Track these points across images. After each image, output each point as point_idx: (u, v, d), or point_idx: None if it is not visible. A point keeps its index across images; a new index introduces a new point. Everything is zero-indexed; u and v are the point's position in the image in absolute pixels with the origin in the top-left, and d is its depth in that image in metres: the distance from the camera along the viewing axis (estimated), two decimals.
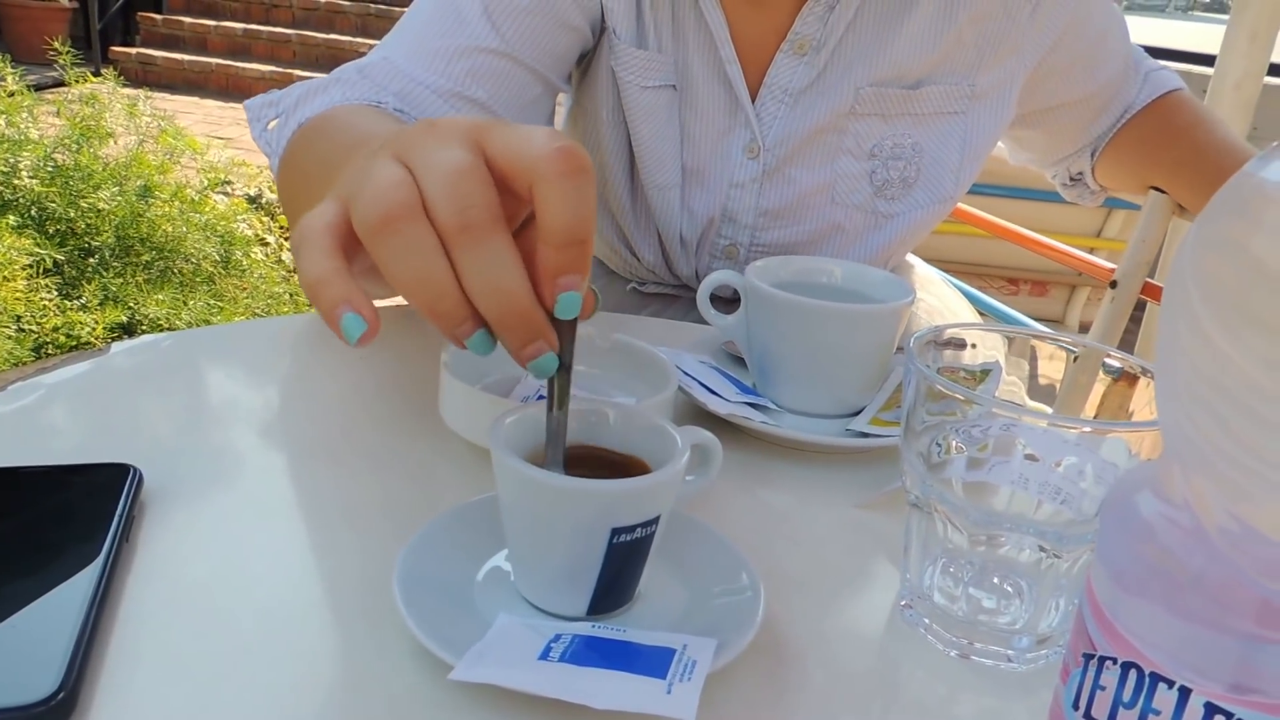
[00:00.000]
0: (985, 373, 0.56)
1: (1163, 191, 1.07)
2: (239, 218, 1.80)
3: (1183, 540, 0.28)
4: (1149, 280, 1.12)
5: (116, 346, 0.70)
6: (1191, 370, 0.27)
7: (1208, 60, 1.77)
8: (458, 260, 0.37)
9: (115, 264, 1.52)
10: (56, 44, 2.10)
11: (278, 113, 0.74)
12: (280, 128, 0.73)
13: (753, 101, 0.89)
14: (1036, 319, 2.38)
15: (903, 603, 0.48)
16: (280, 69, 6.16)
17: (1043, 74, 0.94)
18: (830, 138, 0.90)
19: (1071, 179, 1.10)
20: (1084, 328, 2.32)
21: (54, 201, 1.53)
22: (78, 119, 1.68)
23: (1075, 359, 0.55)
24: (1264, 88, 1.68)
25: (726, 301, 0.69)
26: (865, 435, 0.63)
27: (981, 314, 1.34)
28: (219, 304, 1.56)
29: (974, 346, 0.53)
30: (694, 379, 0.65)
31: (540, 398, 0.42)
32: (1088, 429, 0.43)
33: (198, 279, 1.61)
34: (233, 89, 6.11)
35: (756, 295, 0.65)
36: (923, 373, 0.44)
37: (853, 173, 0.91)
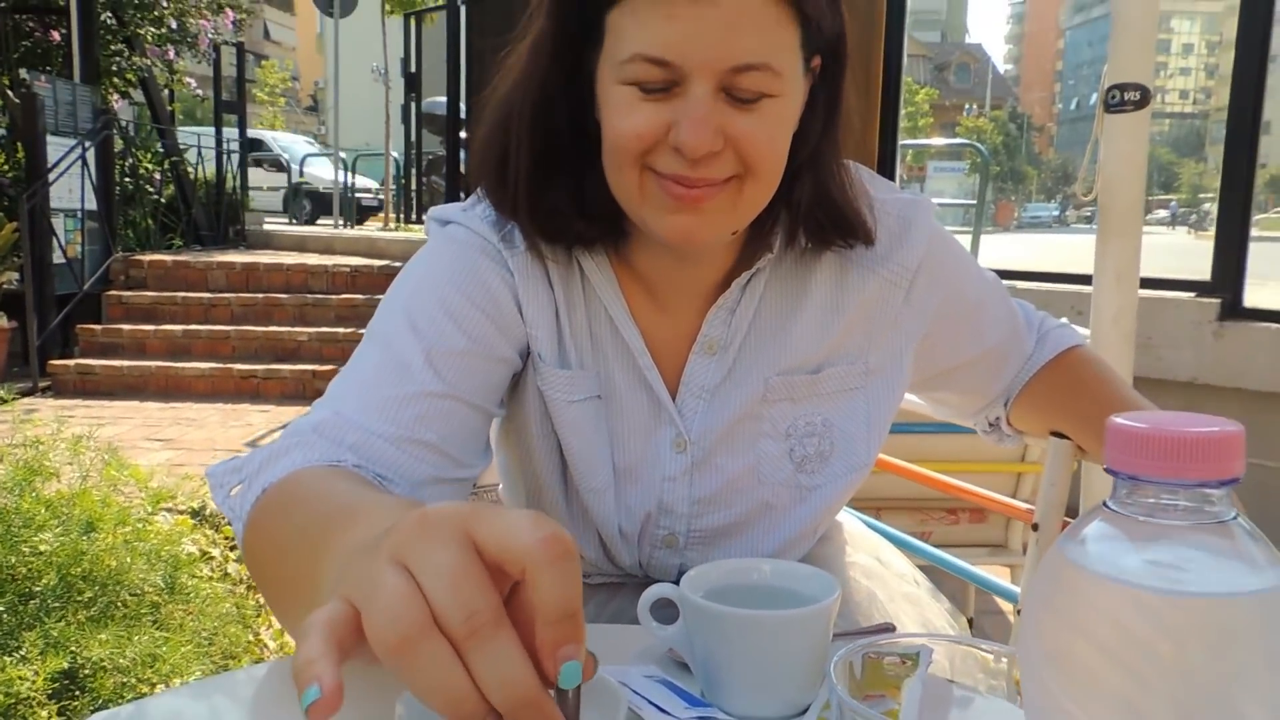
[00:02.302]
0: (914, 656, 0.59)
1: (1064, 436, 1.14)
2: (184, 539, 1.81)
3: None
4: (1068, 519, 1.19)
5: None
6: (1044, 713, 0.31)
7: (1087, 279, 1.92)
8: (469, 661, 0.41)
9: (56, 605, 1.50)
10: None
11: (241, 478, 0.77)
12: (244, 493, 0.75)
13: (674, 400, 0.96)
14: (978, 546, 2.43)
15: None
16: (219, 364, 6.28)
17: (930, 344, 1.03)
18: (749, 424, 0.97)
19: (990, 425, 1.18)
20: (1027, 548, 2.37)
21: None
22: (20, 463, 1.71)
23: (1001, 661, 0.58)
24: (1142, 300, 1.83)
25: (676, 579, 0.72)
26: None
27: (907, 554, 1.37)
28: (165, 634, 1.53)
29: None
30: (643, 697, 0.67)
31: None
32: None
33: (142, 609, 1.59)
34: (172, 389, 6.19)
35: (691, 607, 0.69)
36: (843, 700, 0.47)
37: (774, 453, 0.97)
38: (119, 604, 1.58)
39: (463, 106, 8.41)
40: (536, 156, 0.87)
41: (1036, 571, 0.32)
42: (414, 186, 12.02)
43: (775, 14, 0.77)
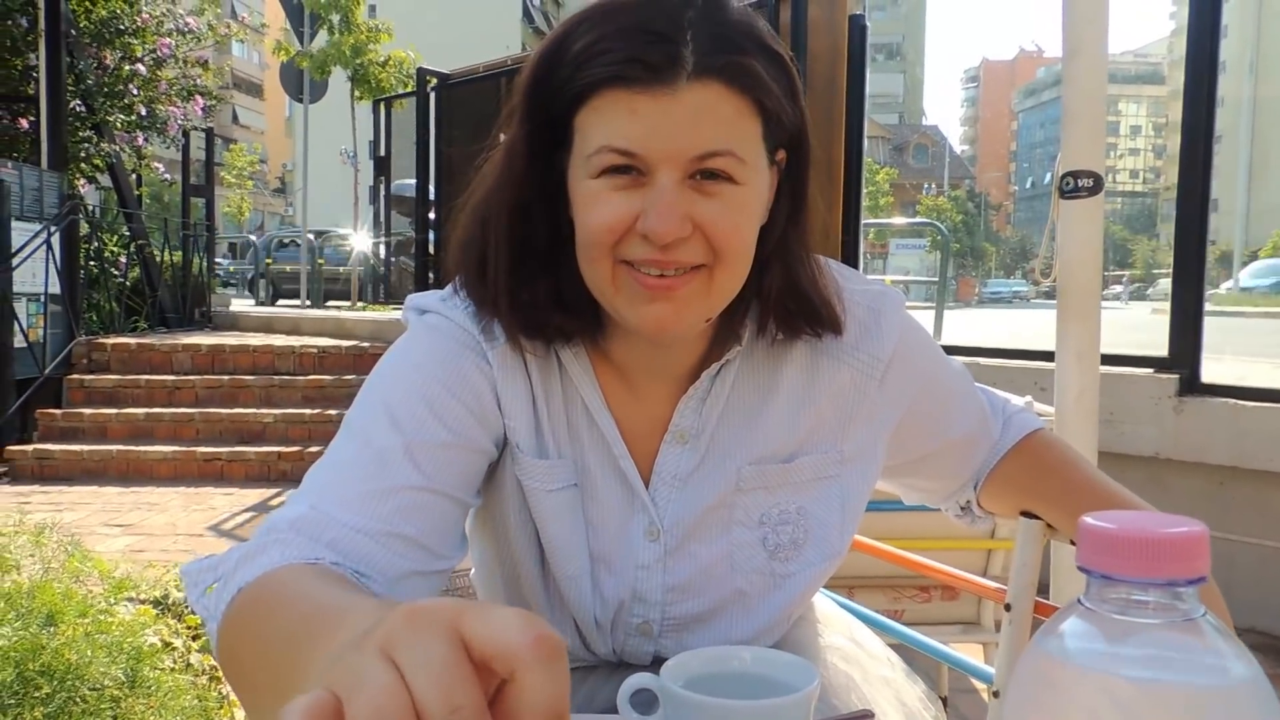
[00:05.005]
0: None
1: (1033, 516, 1.16)
2: (146, 629, 1.76)
3: None
4: (1041, 600, 1.19)
5: None
6: None
7: (1051, 355, 1.96)
8: None
9: (11, 703, 1.45)
10: None
11: (217, 577, 0.76)
12: (219, 591, 0.74)
13: (647, 488, 0.97)
14: (951, 624, 2.42)
15: None
16: (183, 447, 6.17)
17: (903, 432, 1.04)
18: (721, 512, 0.97)
19: (961, 509, 1.19)
20: (999, 626, 2.37)
21: None
22: None
23: None
24: (1102, 376, 1.87)
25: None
26: None
27: (877, 632, 1.37)
28: None
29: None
30: None
31: None
32: None
33: (102, 704, 1.54)
34: (133, 474, 6.06)
35: (670, 698, 0.68)
36: None
37: (747, 541, 0.98)
38: (78, 699, 1.52)
39: (431, 189, 8.51)
40: (515, 256, 0.89)
41: (1015, 666, 0.33)
42: (382, 267, 12.09)
43: (736, 106, 0.81)
